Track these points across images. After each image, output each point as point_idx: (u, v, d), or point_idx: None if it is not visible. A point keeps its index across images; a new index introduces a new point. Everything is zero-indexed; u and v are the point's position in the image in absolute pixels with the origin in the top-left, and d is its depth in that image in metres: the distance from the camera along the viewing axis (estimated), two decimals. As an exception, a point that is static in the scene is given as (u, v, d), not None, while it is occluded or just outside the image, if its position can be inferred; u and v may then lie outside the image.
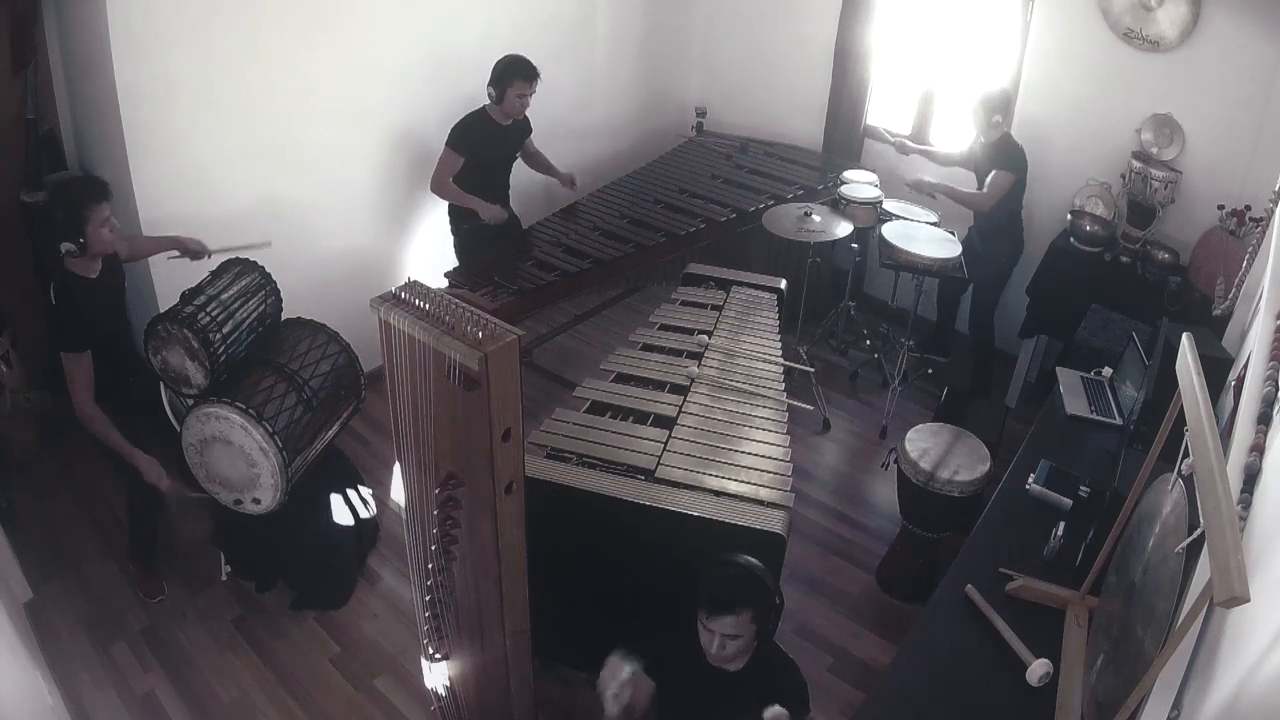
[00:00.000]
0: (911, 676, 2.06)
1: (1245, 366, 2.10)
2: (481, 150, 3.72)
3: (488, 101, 3.69)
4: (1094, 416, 2.93)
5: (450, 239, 3.97)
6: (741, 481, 2.39)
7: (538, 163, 4.10)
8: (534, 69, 3.64)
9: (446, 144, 3.67)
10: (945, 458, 2.87)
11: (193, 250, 2.94)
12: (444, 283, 3.53)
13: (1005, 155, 3.80)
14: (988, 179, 3.82)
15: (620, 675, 1.89)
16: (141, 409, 2.85)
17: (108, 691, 2.70)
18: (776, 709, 1.78)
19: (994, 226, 3.94)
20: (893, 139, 4.52)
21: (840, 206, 4.01)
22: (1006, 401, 4.15)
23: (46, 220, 2.54)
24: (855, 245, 4.10)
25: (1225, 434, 1.96)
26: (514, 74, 3.61)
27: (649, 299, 4.09)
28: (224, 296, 2.76)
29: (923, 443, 2.95)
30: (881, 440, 3.98)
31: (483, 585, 2.11)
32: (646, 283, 4.10)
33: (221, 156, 3.32)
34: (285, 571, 3.06)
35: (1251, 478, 1.49)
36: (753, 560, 1.92)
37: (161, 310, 2.71)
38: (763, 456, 2.50)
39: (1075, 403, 2.99)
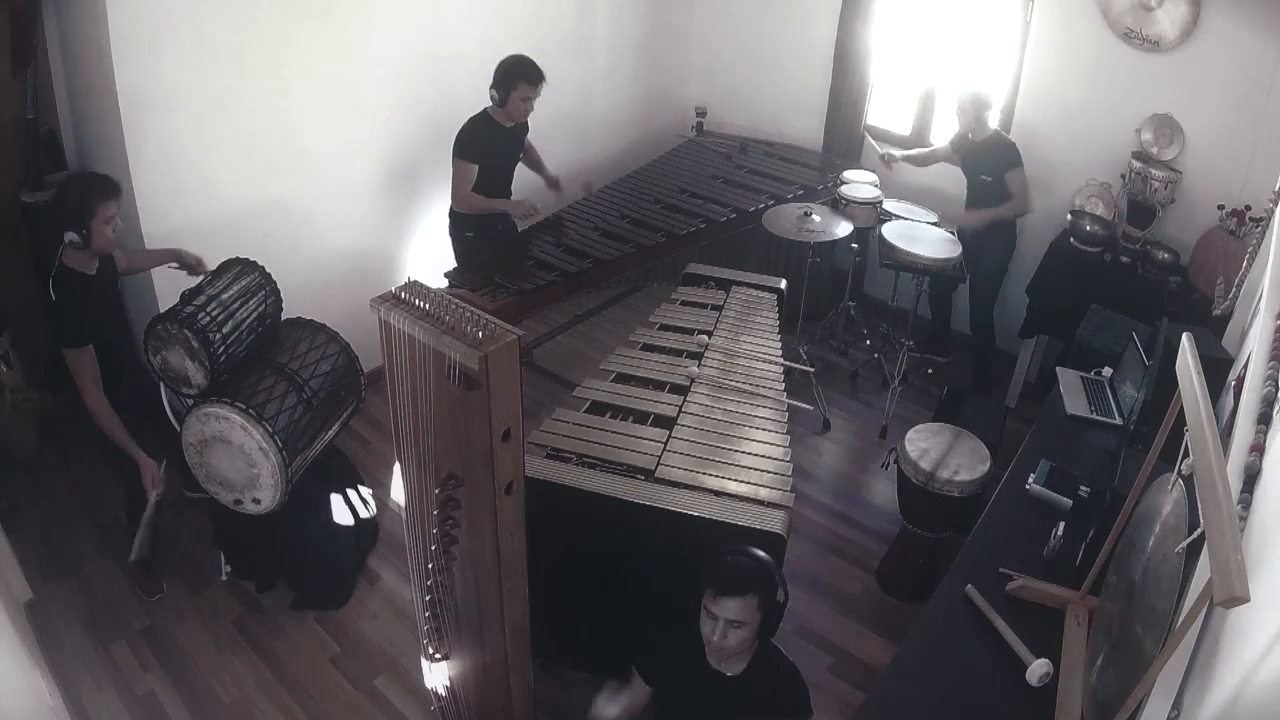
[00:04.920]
0: (911, 676, 2.06)
1: (1245, 366, 2.10)
2: (489, 154, 3.63)
3: (489, 104, 3.59)
4: (1094, 416, 2.92)
5: (450, 244, 3.90)
6: (741, 481, 2.39)
7: (529, 158, 3.99)
8: (539, 71, 3.53)
9: (456, 156, 3.57)
10: (945, 458, 2.87)
11: (190, 264, 2.96)
12: (444, 283, 3.52)
13: (1007, 154, 3.80)
14: (1008, 180, 3.79)
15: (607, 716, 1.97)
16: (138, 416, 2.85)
17: (108, 691, 2.70)
18: None
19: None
20: (880, 153, 4.37)
21: (840, 206, 4.01)
22: (1006, 401, 4.15)
23: (54, 208, 2.56)
24: (855, 245, 4.11)
25: (1225, 434, 1.96)
26: (518, 77, 3.50)
27: (649, 299, 4.09)
28: (224, 296, 2.76)
29: (923, 443, 2.95)
30: (881, 440, 3.98)
31: (483, 585, 2.11)
32: (646, 283, 4.10)
33: (222, 155, 3.32)
34: (285, 571, 3.06)
35: (1251, 478, 1.49)
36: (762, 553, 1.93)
37: (161, 310, 2.71)
38: (763, 456, 2.50)
39: (1075, 403, 2.99)
